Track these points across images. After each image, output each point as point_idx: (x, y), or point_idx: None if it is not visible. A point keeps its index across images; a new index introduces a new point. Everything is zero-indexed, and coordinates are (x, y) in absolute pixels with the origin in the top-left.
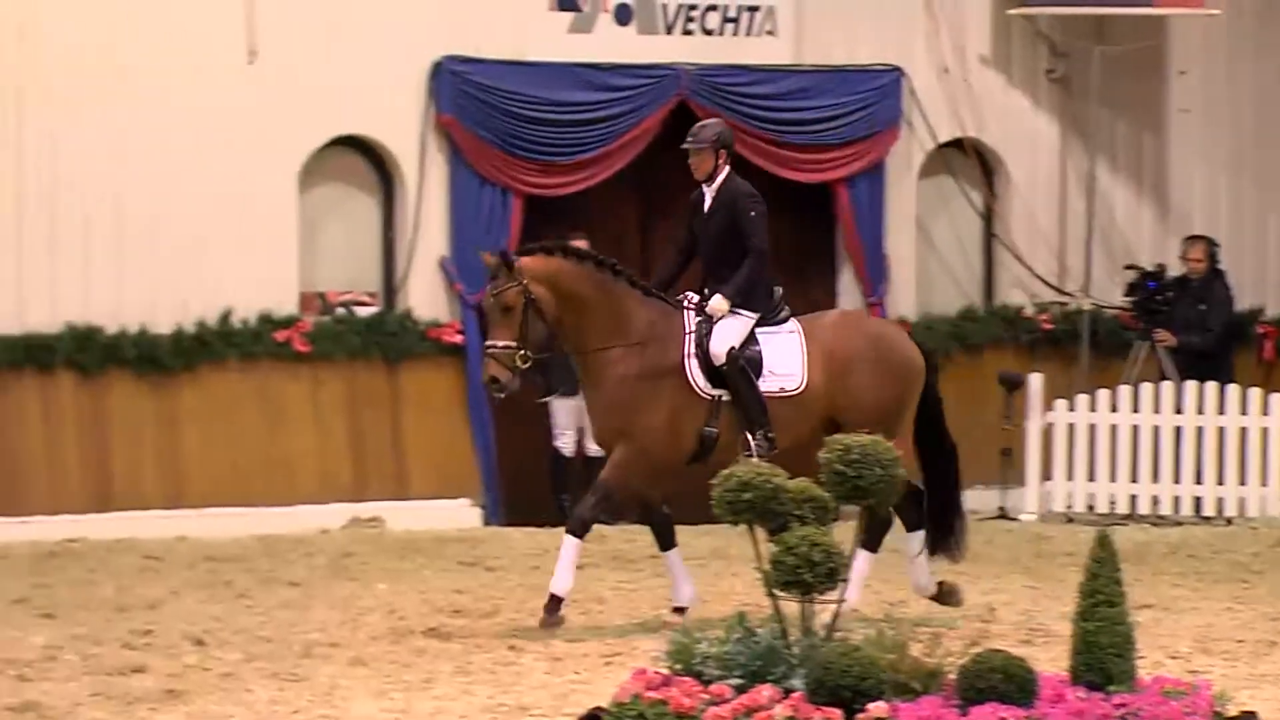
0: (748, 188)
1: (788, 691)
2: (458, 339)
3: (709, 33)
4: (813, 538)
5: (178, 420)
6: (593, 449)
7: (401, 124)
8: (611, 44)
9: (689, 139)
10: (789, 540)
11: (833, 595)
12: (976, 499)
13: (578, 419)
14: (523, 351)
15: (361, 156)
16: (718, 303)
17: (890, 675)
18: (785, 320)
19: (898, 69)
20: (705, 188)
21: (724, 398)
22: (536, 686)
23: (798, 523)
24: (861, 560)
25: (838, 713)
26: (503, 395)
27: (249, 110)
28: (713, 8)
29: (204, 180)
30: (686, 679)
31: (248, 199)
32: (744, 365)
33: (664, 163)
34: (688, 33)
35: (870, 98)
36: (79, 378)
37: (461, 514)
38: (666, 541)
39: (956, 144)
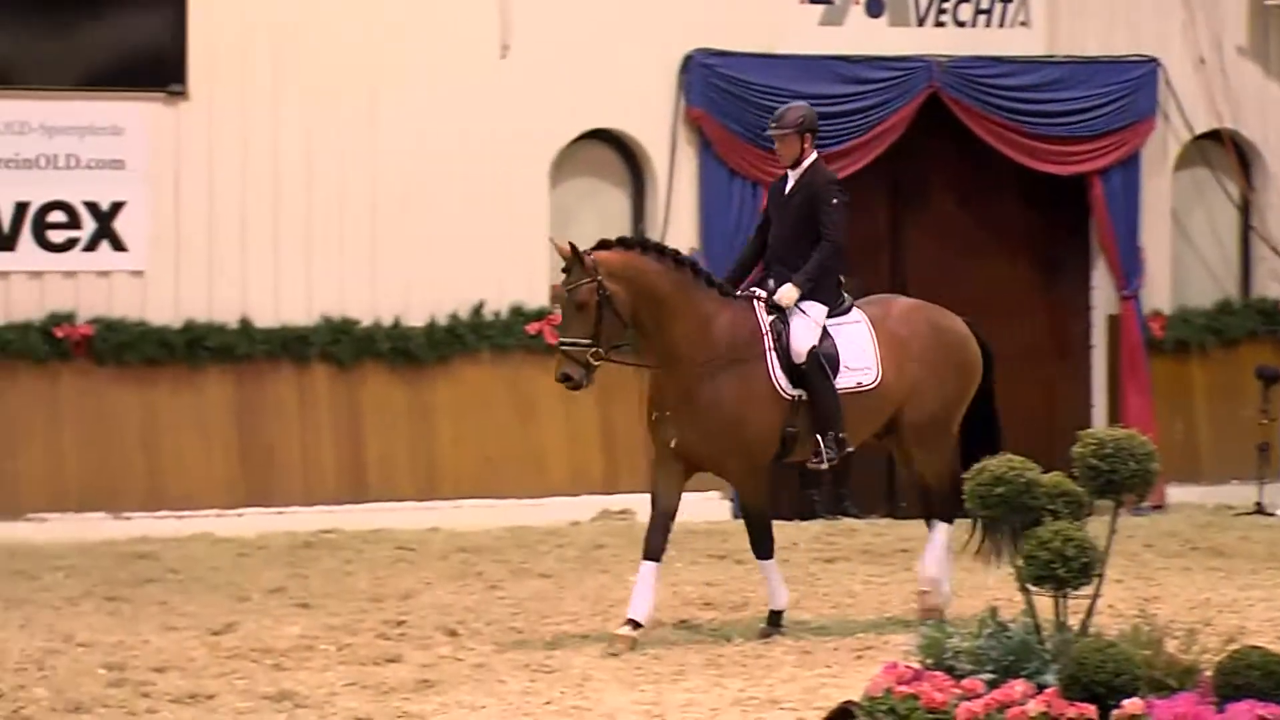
0: (832, 176)
1: (1041, 687)
2: None
3: (961, 24)
4: (1066, 532)
5: (431, 412)
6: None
7: (652, 117)
8: (863, 36)
9: (773, 124)
10: (1042, 535)
11: (1086, 590)
12: (1232, 494)
13: None
14: (596, 349)
15: (612, 149)
16: (788, 292)
17: (1145, 672)
18: (849, 310)
19: (1153, 60)
20: (789, 172)
21: (803, 396)
22: (786, 680)
23: (1051, 517)
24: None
25: (1092, 709)
26: (576, 391)
27: (501, 105)
28: (965, 0)
29: (457, 175)
30: (938, 673)
31: (500, 193)
32: (822, 364)
33: (915, 156)
34: (939, 24)
35: (1125, 89)
36: (334, 370)
37: (711, 508)
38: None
39: (1213, 136)
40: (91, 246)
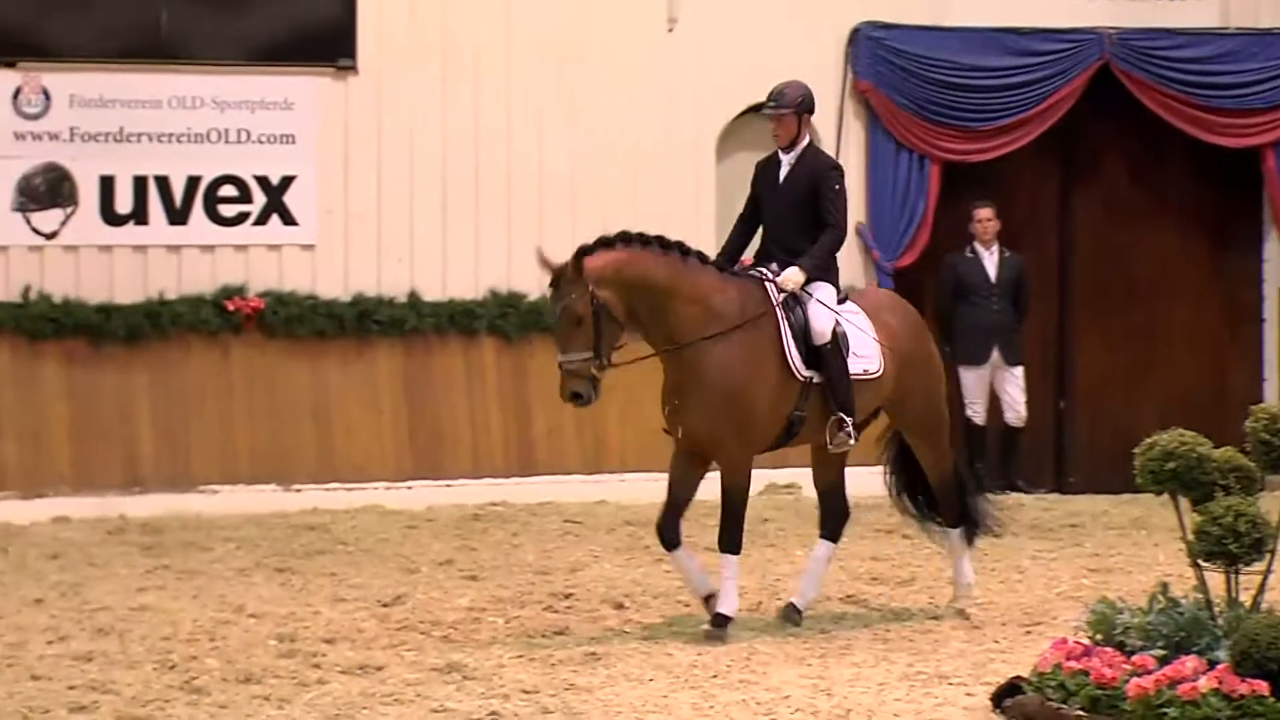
0: (832, 160)
1: (1212, 663)
2: None
3: None
4: (1238, 508)
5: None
6: (1010, 419)
7: (819, 90)
8: (1033, 8)
9: (771, 102)
10: (1214, 510)
11: (1259, 566)
12: None
13: (985, 389)
14: (599, 360)
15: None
16: (793, 274)
17: None
18: (845, 300)
19: None
20: (782, 154)
21: (814, 379)
22: (954, 655)
23: (1222, 492)
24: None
25: (1264, 685)
26: (586, 406)
27: (667, 78)
28: None
29: (622, 148)
30: (1108, 649)
31: (665, 166)
32: (840, 346)
33: (1086, 129)
34: None
35: None
36: (501, 343)
37: (878, 481)
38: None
39: None
40: (262, 220)
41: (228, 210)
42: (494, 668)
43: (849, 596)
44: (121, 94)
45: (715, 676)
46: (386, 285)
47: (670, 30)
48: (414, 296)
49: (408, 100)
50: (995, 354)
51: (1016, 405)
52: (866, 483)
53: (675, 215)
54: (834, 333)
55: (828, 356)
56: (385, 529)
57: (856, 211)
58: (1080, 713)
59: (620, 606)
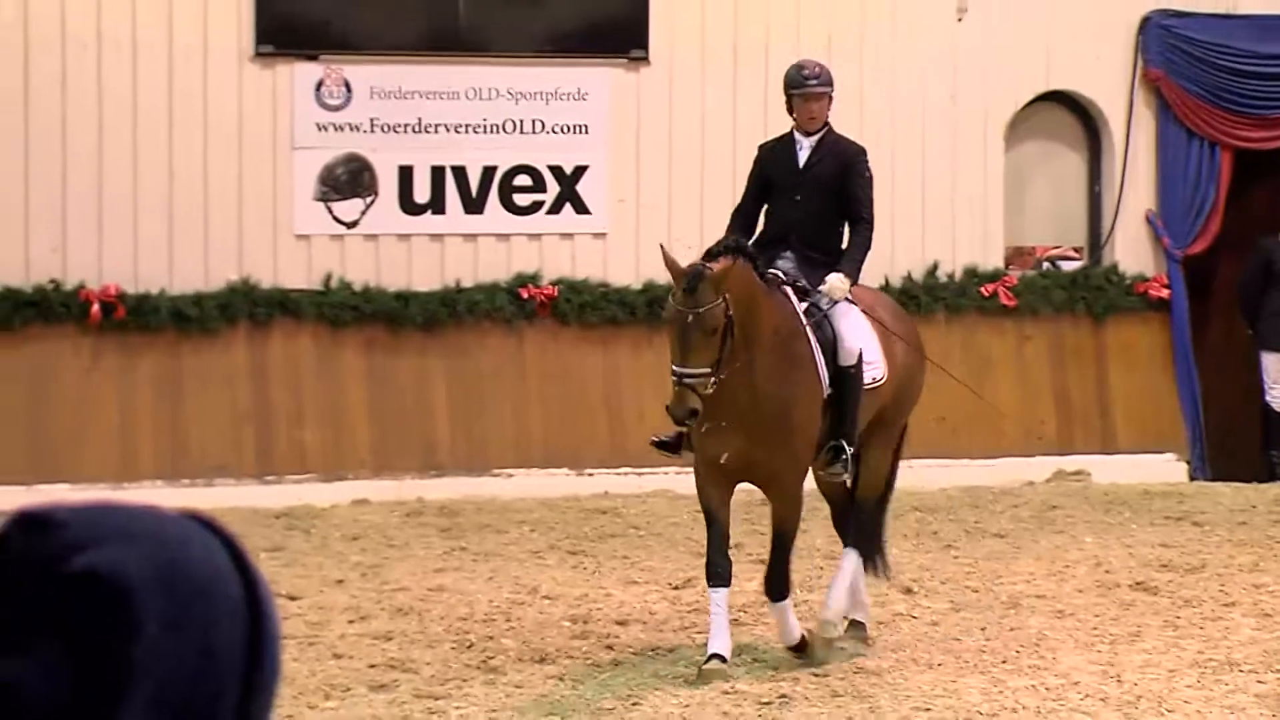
0: (859, 144)
1: None
2: (1164, 294)
3: None
4: None
5: None
6: None
7: (1108, 79)
8: None
9: (812, 80)
10: None
11: None
12: None
13: None
14: (716, 377)
15: (1068, 111)
16: (838, 282)
17: None
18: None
19: None
20: (802, 137)
21: (829, 396)
22: (1246, 642)
23: None
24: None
25: None
26: (692, 424)
27: (957, 67)
28: None
29: (913, 136)
30: None
31: (955, 154)
32: (862, 366)
33: None
34: None
35: None
36: None
37: (1167, 468)
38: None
39: None
40: (555, 209)
41: (522, 199)
42: (784, 650)
43: (1138, 584)
44: (420, 85)
45: (1004, 662)
46: None
47: (960, 20)
48: None
49: (698, 91)
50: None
51: None
52: (1159, 469)
53: (965, 202)
54: (861, 354)
55: (851, 379)
56: (675, 513)
57: (1146, 199)
58: None
59: (909, 591)
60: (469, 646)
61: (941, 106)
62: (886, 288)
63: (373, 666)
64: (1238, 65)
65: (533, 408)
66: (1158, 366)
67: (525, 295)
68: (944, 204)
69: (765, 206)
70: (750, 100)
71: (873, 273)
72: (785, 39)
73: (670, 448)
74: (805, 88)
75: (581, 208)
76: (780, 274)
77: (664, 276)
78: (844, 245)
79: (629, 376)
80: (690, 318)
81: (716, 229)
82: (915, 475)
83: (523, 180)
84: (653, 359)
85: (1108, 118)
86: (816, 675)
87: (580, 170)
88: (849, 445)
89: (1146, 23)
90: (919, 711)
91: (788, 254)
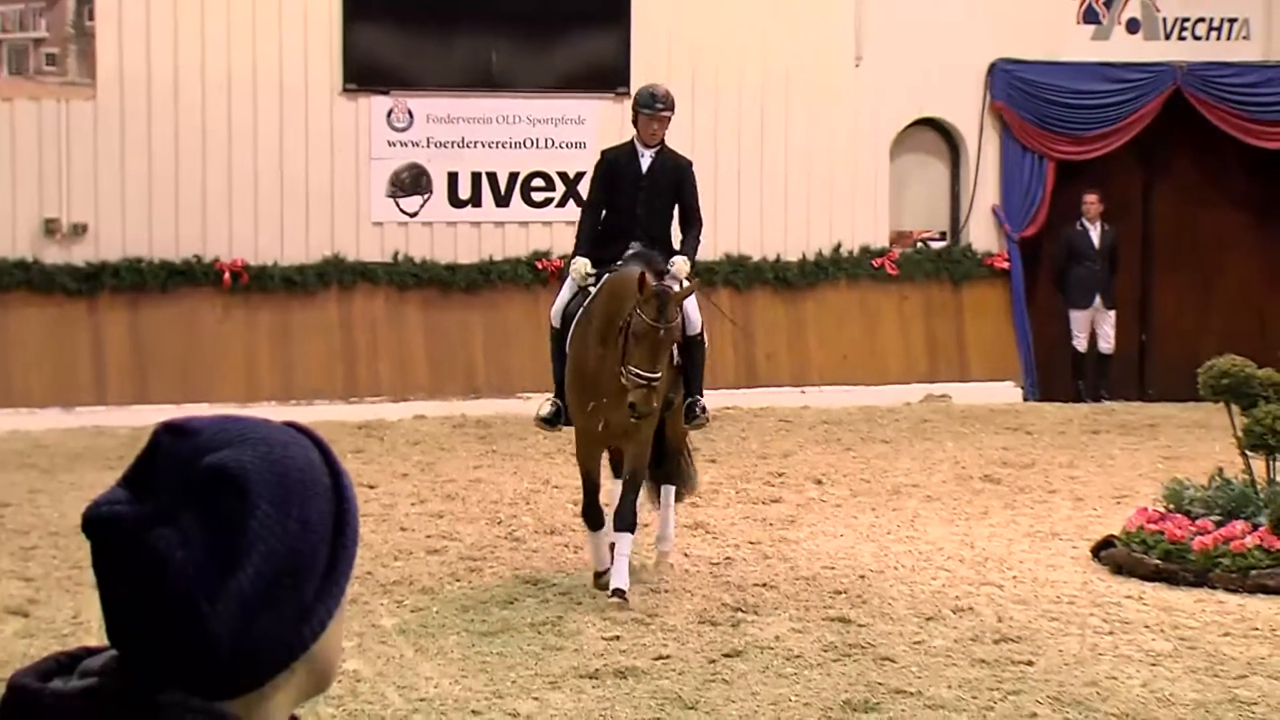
0: (688, 157)
1: (1255, 526)
2: (1005, 265)
3: (1198, 38)
4: (1276, 412)
5: (803, 324)
6: (1104, 348)
7: (965, 109)
8: (1123, 47)
9: (659, 104)
10: (1258, 414)
11: None
12: None
13: (1088, 325)
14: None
15: (936, 133)
16: (683, 263)
17: None
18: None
19: None
20: (643, 149)
21: (678, 363)
22: (1064, 519)
23: (1264, 401)
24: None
25: None
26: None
27: (856, 99)
28: (1201, 20)
29: (825, 149)
30: (1178, 515)
31: (853, 164)
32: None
33: (1162, 139)
34: (1181, 38)
35: None
36: (732, 293)
37: (1007, 393)
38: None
39: None
40: (562, 203)
41: (538, 196)
42: (727, 526)
43: (986, 476)
44: (463, 113)
45: (889, 533)
46: None
47: (857, 66)
48: None
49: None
50: (1096, 300)
51: (1109, 339)
52: (997, 393)
53: (861, 198)
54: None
55: (697, 346)
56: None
57: (992, 196)
58: (1157, 562)
59: (819, 482)
60: (499, 522)
61: (845, 128)
62: (804, 262)
63: (429, 536)
64: (1059, 99)
65: (545, 349)
66: (1001, 318)
67: (540, 267)
68: (846, 200)
69: (609, 203)
70: (703, 124)
71: (794, 251)
72: (732, 79)
73: (551, 423)
74: (655, 110)
75: (581, 202)
76: (641, 256)
77: None
78: (673, 238)
79: None
80: (662, 332)
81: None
82: (825, 398)
83: (538, 182)
84: None
85: (964, 137)
86: (752, 543)
87: (580, 175)
88: (700, 398)
89: (993, 67)
90: (827, 569)
91: (634, 243)
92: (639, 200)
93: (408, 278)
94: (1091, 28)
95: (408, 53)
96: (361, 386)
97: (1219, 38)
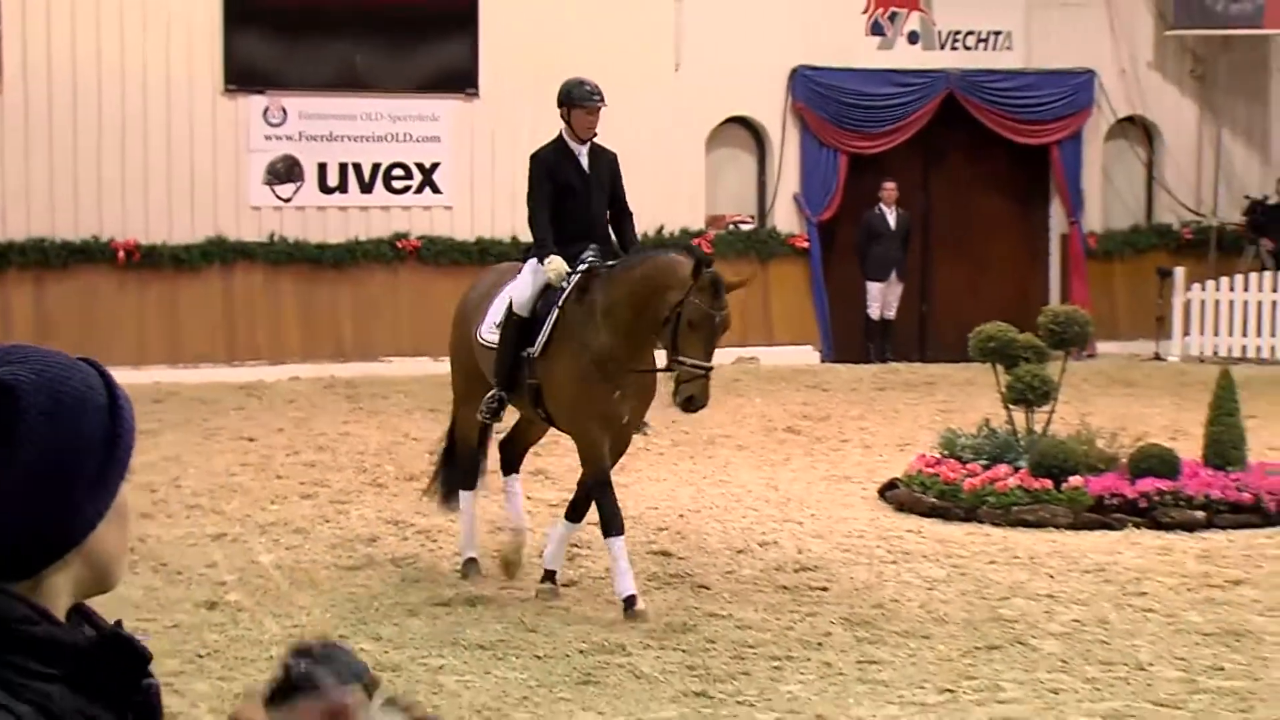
0: (613, 150)
1: (1017, 469)
2: (805, 245)
3: (969, 49)
4: (1034, 371)
5: None
6: (888, 315)
7: (771, 109)
8: (905, 56)
9: (597, 97)
10: (1019, 373)
11: (1046, 408)
12: (1139, 348)
13: (881, 296)
14: None
15: (746, 129)
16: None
17: (1084, 459)
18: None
19: (1091, 71)
20: (577, 146)
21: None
22: (855, 464)
23: (1024, 362)
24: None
25: (1050, 483)
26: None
27: (676, 99)
28: (971, 33)
29: (647, 144)
30: (951, 460)
31: (674, 156)
32: None
33: (938, 135)
34: (954, 49)
35: (1074, 89)
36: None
37: (807, 355)
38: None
39: (1129, 119)
40: (419, 191)
41: (397, 184)
42: (564, 471)
43: (788, 428)
44: (331, 111)
45: (705, 478)
46: (500, 231)
47: (677, 70)
48: (515, 239)
49: (511, 115)
50: (892, 274)
51: (892, 308)
52: (804, 356)
53: (681, 186)
54: None
55: None
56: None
57: (794, 185)
58: (934, 500)
59: (644, 434)
60: (364, 470)
61: (667, 124)
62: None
63: (302, 483)
64: (851, 101)
65: (405, 317)
66: (802, 291)
67: (400, 246)
68: (668, 187)
69: (557, 204)
70: (544, 122)
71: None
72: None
73: (496, 416)
74: (590, 103)
75: (435, 190)
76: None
77: (491, 234)
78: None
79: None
80: (718, 319)
81: (526, 213)
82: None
83: (398, 172)
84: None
85: (770, 133)
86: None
87: (435, 166)
88: None
89: (795, 73)
90: (651, 509)
91: (593, 246)
92: (590, 198)
93: (282, 256)
94: (878, 39)
95: (282, 57)
96: (242, 351)
97: (986, 48)
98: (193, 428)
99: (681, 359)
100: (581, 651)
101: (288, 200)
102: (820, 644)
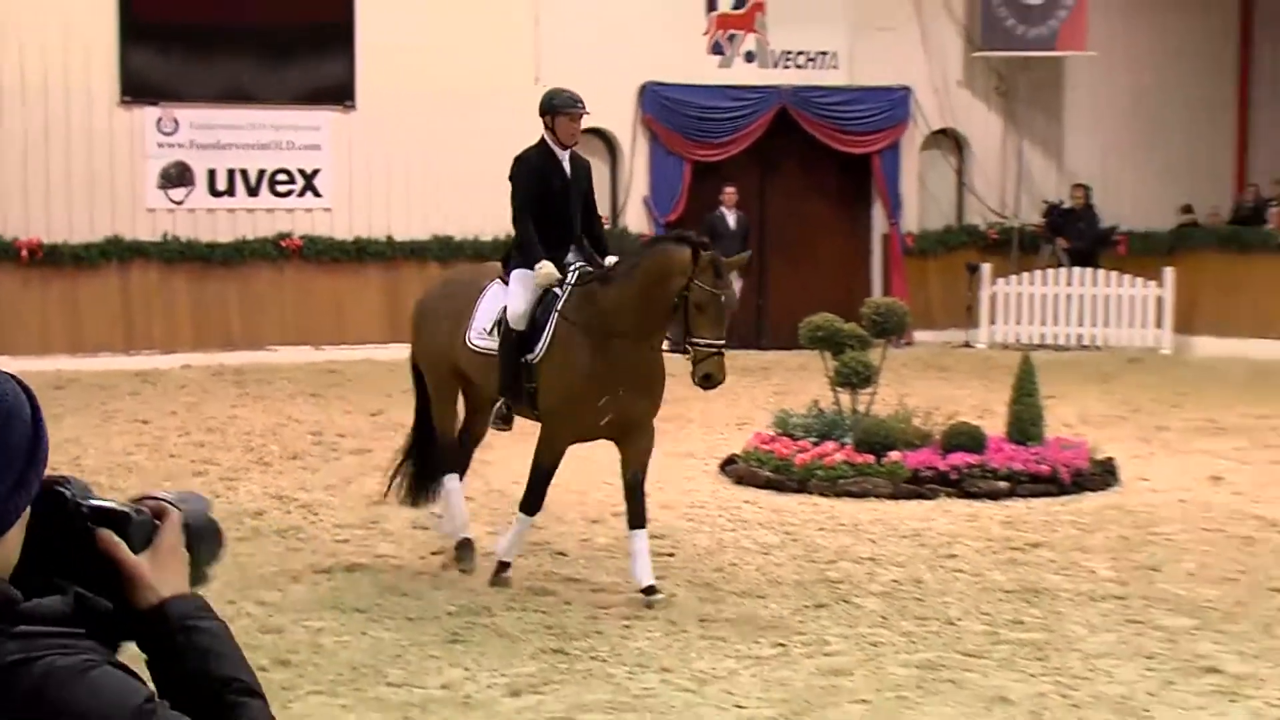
0: (586, 156)
1: (843, 445)
2: None
3: (799, 67)
4: (858, 357)
5: None
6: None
7: (622, 121)
8: (743, 74)
9: (578, 105)
10: (845, 359)
11: (868, 390)
12: (951, 336)
13: None
14: None
15: (600, 139)
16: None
17: (901, 436)
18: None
19: (907, 88)
20: (559, 152)
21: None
22: (698, 440)
23: (850, 349)
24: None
25: (872, 458)
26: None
27: (535, 112)
28: (801, 53)
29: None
30: (784, 438)
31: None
32: None
33: (772, 145)
34: (787, 67)
35: (893, 104)
36: (439, 265)
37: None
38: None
39: (942, 131)
40: (302, 194)
41: (281, 189)
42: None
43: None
44: (220, 122)
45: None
46: (376, 231)
47: (537, 82)
48: (390, 238)
49: (386, 126)
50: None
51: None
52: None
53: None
54: None
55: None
56: (375, 372)
57: (643, 189)
58: (769, 474)
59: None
60: (251, 450)
61: (528, 132)
62: (496, 240)
63: (193, 462)
64: (694, 114)
65: (289, 310)
66: None
67: (284, 245)
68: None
69: (540, 208)
70: (419, 127)
71: (489, 231)
72: (439, 92)
73: (508, 422)
74: (574, 110)
75: (316, 193)
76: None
77: (368, 233)
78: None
79: (347, 289)
80: (724, 297)
81: (400, 214)
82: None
83: (282, 177)
84: (355, 282)
85: (621, 143)
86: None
87: (315, 172)
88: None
89: (644, 88)
90: (515, 484)
91: (573, 250)
92: (569, 203)
93: (175, 254)
94: (718, 58)
95: (174, 72)
96: (138, 341)
97: (815, 67)
98: (92, 411)
99: (694, 340)
100: (450, 613)
101: (180, 203)
102: (666, 604)
